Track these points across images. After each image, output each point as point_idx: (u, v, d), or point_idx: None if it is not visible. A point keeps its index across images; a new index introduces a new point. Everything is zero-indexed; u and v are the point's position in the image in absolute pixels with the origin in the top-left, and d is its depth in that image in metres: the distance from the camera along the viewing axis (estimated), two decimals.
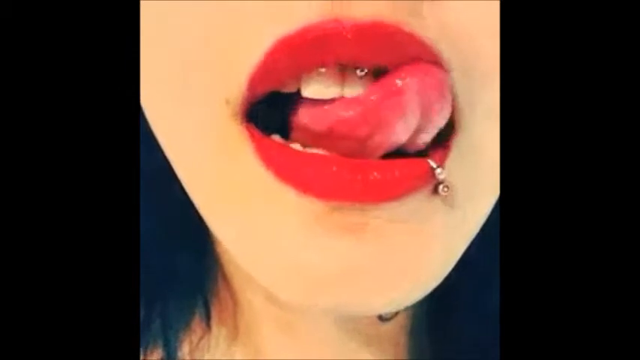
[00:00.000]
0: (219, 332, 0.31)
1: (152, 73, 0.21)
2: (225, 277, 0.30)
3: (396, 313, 0.29)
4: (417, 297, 0.22)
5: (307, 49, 0.19)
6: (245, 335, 0.30)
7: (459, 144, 0.21)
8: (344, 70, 0.20)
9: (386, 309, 0.23)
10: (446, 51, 0.19)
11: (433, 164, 0.20)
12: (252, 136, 0.20)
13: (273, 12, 0.19)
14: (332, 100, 0.20)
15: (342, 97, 0.20)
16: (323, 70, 0.20)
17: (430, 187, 0.21)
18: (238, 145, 0.20)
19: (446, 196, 0.21)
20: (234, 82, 0.20)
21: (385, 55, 0.19)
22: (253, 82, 0.19)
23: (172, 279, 0.31)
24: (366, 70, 0.20)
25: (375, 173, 0.20)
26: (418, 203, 0.20)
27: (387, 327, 0.29)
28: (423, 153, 0.21)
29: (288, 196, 0.20)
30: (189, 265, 0.31)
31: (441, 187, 0.20)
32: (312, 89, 0.20)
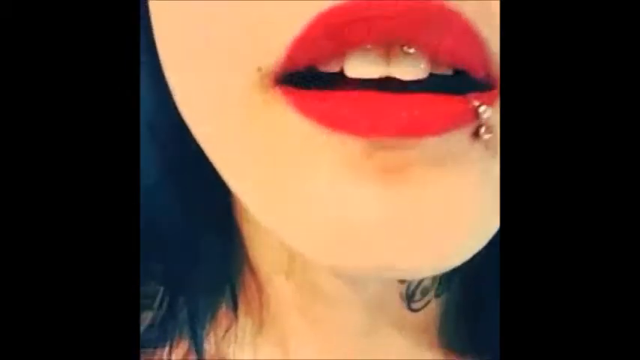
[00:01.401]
0: (245, 323, 0.30)
1: (179, 37, 0.21)
2: (251, 268, 0.30)
3: (427, 303, 0.28)
4: (464, 257, 0.21)
5: (349, 26, 0.18)
6: (270, 326, 0.30)
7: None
8: (390, 49, 0.19)
9: (433, 269, 0.21)
10: (484, 30, 0.19)
11: (476, 102, 0.19)
12: (286, 93, 0.19)
13: None
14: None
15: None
16: (368, 46, 0.19)
17: (472, 128, 0.20)
18: (270, 106, 0.20)
19: (488, 140, 0.20)
20: (270, 52, 0.19)
21: (429, 34, 0.19)
22: (291, 53, 0.19)
23: (199, 269, 0.30)
24: (412, 49, 0.19)
25: (416, 109, 0.19)
26: (460, 144, 0.20)
27: (418, 316, 0.28)
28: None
29: (327, 138, 0.19)
30: (215, 255, 0.30)
31: (482, 129, 0.19)
32: (356, 68, 0.19)
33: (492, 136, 0.20)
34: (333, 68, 0.20)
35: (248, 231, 0.29)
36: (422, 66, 0.19)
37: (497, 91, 0.20)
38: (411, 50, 0.19)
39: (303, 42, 0.19)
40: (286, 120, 0.19)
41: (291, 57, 0.19)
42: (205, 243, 0.30)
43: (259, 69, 0.19)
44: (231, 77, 0.20)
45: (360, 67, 0.19)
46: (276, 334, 0.29)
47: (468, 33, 0.19)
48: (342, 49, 0.19)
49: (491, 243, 0.28)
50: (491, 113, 0.19)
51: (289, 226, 0.21)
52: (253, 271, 0.30)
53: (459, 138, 0.19)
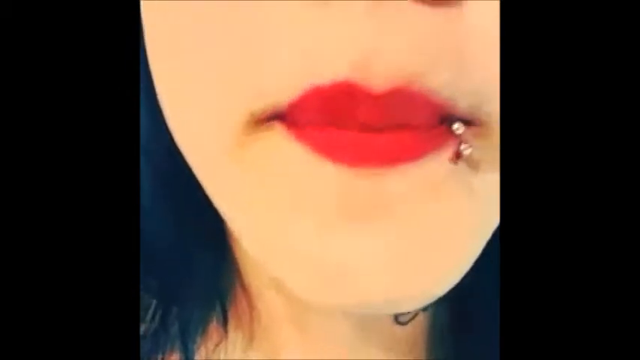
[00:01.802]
0: (235, 337, 0.31)
1: (174, 68, 0.21)
2: (242, 283, 0.30)
3: (415, 316, 0.29)
4: (452, 282, 0.21)
5: (336, 102, 0.19)
6: (261, 340, 0.30)
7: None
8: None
9: (426, 298, 0.21)
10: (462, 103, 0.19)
11: (452, 125, 0.19)
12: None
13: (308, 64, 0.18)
14: None
15: None
16: None
17: (450, 150, 0.20)
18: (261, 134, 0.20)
19: (468, 157, 0.20)
20: (266, 103, 0.19)
21: (409, 116, 0.19)
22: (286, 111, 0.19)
23: (190, 284, 0.31)
24: None
25: (385, 136, 0.19)
26: (441, 168, 0.20)
27: (406, 329, 0.29)
28: None
29: (319, 165, 0.19)
30: (207, 270, 0.31)
31: (462, 146, 0.20)
32: None
33: (472, 151, 0.20)
34: None
35: (239, 248, 0.29)
36: None
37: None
38: None
39: (296, 106, 0.19)
40: (279, 145, 0.20)
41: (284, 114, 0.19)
42: (198, 259, 0.30)
43: (252, 114, 0.19)
44: (223, 116, 0.20)
45: None
46: (267, 347, 0.30)
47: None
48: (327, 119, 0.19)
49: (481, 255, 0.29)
50: (464, 129, 0.19)
51: (276, 261, 0.21)
52: (244, 287, 0.30)
53: (439, 162, 0.20)
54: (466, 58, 0.19)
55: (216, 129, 0.20)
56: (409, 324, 0.29)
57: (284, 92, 0.19)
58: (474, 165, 0.20)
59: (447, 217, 0.20)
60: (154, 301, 0.31)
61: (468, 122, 0.20)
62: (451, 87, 0.19)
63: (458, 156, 0.20)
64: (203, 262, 0.30)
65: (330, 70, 0.18)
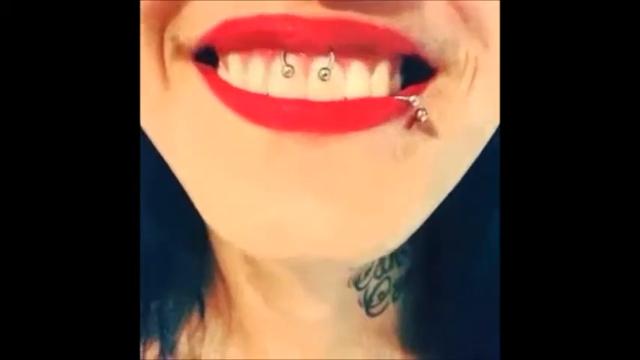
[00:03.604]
0: (215, 328, 0.31)
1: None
2: (221, 276, 0.31)
3: (385, 307, 0.29)
4: (397, 239, 0.22)
5: (253, 36, 0.19)
6: (237, 331, 0.31)
7: (438, 85, 0.21)
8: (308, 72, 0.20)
9: (362, 257, 0.22)
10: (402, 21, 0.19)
11: (404, 98, 0.20)
12: (203, 72, 0.21)
13: None
14: None
15: None
16: (290, 73, 0.20)
17: (406, 117, 0.20)
18: (189, 81, 0.21)
19: (425, 123, 0.20)
20: (185, 28, 0.20)
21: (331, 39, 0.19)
22: (201, 42, 0.20)
23: (170, 276, 0.32)
24: (328, 74, 0.20)
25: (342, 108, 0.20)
26: (396, 134, 0.20)
27: (377, 320, 0.30)
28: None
29: (244, 129, 0.20)
30: (186, 264, 0.31)
31: (420, 112, 0.20)
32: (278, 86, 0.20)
33: (428, 119, 0.20)
34: (251, 84, 0.20)
35: (217, 241, 0.30)
36: (338, 91, 0.20)
37: (425, 82, 0.20)
38: (327, 76, 0.20)
39: (208, 39, 0.20)
40: (203, 101, 0.20)
41: (200, 44, 0.20)
42: (177, 254, 0.31)
43: (173, 39, 0.20)
44: (153, 47, 0.21)
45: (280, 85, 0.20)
46: (241, 338, 0.31)
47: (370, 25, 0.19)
48: (245, 53, 0.20)
49: (451, 245, 0.29)
50: (421, 101, 0.20)
51: (224, 223, 0.21)
52: (223, 280, 0.31)
53: (394, 128, 0.20)
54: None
55: (146, 60, 0.21)
56: (379, 316, 0.29)
57: (220, 11, 0.19)
58: (428, 131, 0.21)
59: (388, 181, 0.20)
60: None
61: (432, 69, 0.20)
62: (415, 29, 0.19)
63: (413, 121, 0.20)
64: (183, 256, 0.31)
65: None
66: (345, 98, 0.20)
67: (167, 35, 0.21)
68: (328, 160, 0.20)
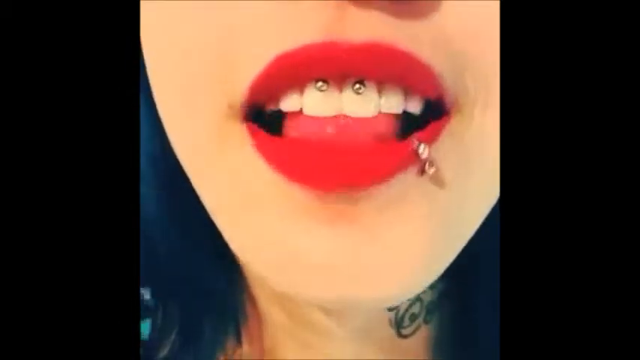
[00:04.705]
0: (249, 351, 0.32)
1: (163, 78, 0.23)
2: (252, 299, 0.32)
3: (417, 328, 0.29)
4: (419, 286, 0.23)
5: (305, 66, 0.20)
6: (270, 354, 0.31)
7: (453, 129, 0.21)
8: (342, 88, 0.21)
9: (387, 301, 0.23)
10: (439, 65, 0.20)
11: (416, 143, 0.21)
12: (252, 131, 0.22)
13: (277, 30, 0.20)
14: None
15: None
16: (324, 87, 0.21)
17: (416, 167, 0.21)
18: (239, 142, 0.22)
19: (433, 175, 0.21)
20: (237, 89, 0.21)
21: (379, 71, 0.21)
22: (253, 89, 0.21)
23: (208, 301, 0.32)
24: (362, 89, 0.21)
25: (361, 158, 0.21)
26: (406, 186, 0.21)
27: (409, 342, 0.30)
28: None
29: (280, 186, 0.21)
30: (221, 288, 0.32)
31: (427, 165, 0.21)
32: (312, 107, 0.21)
33: (436, 170, 0.21)
34: (294, 108, 0.22)
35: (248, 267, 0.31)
36: (372, 105, 0.21)
37: (441, 122, 0.21)
38: (361, 90, 0.21)
39: (264, 78, 0.21)
40: (252, 161, 0.22)
41: (253, 92, 0.21)
42: (210, 280, 0.32)
43: (230, 106, 0.21)
44: (207, 114, 0.22)
45: (316, 105, 0.21)
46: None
47: (415, 61, 0.20)
48: (296, 85, 0.21)
49: (480, 269, 0.29)
50: (429, 151, 0.21)
51: (256, 257, 0.23)
52: (253, 303, 0.32)
53: (404, 179, 0.21)
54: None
55: (200, 125, 0.22)
56: (412, 337, 0.29)
57: (251, 68, 0.20)
58: (439, 182, 0.21)
59: (411, 226, 0.21)
60: (177, 327, 0.33)
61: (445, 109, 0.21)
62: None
63: (423, 172, 0.21)
64: (217, 278, 0.32)
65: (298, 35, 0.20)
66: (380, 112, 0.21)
67: (220, 96, 0.22)
68: (359, 213, 0.21)
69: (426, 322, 0.30)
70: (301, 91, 0.21)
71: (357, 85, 0.21)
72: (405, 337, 0.29)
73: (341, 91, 0.21)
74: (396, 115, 0.22)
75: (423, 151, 0.21)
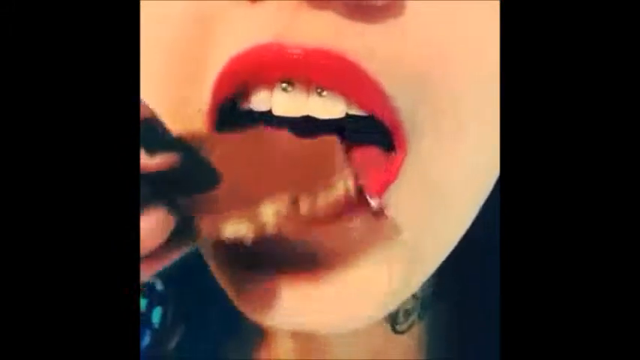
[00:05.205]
0: None
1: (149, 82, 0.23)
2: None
3: (411, 324, 0.30)
4: (367, 319, 0.24)
5: (256, 67, 0.21)
6: (268, 345, 0.33)
7: (405, 169, 0.22)
8: (309, 91, 0.22)
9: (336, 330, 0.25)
10: (390, 84, 0.21)
11: (368, 197, 0.22)
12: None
13: (230, 35, 0.21)
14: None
15: None
16: (289, 88, 0.22)
17: (369, 212, 0.22)
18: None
19: (389, 219, 0.22)
20: (203, 92, 0.22)
21: (328, 78, 0.21)
22: (215, 91, 0.22)
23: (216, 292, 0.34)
24: (326, 92, 0.21)
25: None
26: (360, 229, 0.22)
27: (403, 339, 0.31)
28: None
29: None
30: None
31: (381, 211, 0.22)
32: (281, 107, 0.22)
33: (390, 214, 0.22)
34: (263, 107, 0.22)
35: None
36: (339, 107, 0.22)
37: (399, 156, 0.22)
38: (325, 93, 0.21)
39: (224, 76, 0.21)
40: None
41: (215, 94, 0.22)
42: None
43: (199, 110, 0.22)
44: (185, 119, 0.22)
45: (284, 105, 0.22)
46: None
47: (361, 74, 0.20)
48: (249, 85, 0.22)
49: (476, 267, 0.30)
50: (379, 201, 0.22)
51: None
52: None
53: (355, 224, 0.22)
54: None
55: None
56: (406, 333, 0.30)
57: (213, 68, 0.21)
58: (394, 229, 0.22)
59: (366, 273, 0.23)
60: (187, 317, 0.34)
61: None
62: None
63: (379, 217, 0.22)
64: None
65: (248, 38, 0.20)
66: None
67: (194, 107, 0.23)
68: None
69: (420, 318, 0.31)
70: (270, 92, 0.22)
71: (319, 89, 0.21)
72: (400, 332, 0.30)
73: (308, 93, 0.22)
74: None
75: (373, 200, 0.22)
